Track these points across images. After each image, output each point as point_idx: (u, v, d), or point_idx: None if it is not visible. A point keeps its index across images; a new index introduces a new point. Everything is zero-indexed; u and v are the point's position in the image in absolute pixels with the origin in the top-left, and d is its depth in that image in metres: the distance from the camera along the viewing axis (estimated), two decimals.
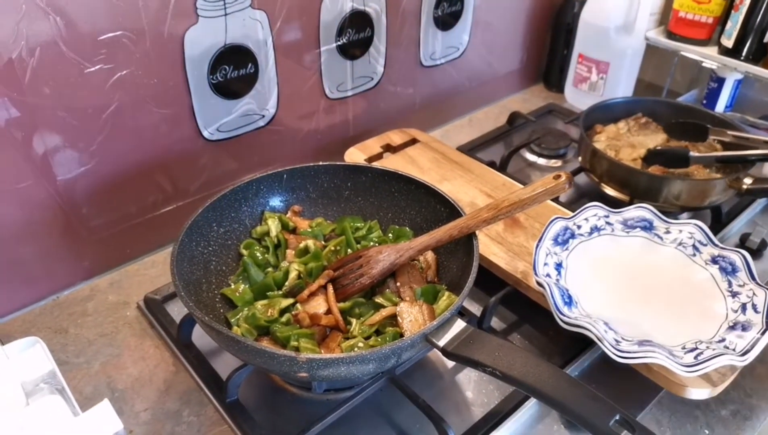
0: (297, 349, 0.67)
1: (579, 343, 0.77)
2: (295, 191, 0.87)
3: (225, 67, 0.89)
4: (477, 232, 0.74)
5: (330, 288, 0.75)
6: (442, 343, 0.62)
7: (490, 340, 0.63)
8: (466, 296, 0.66)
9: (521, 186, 0.99)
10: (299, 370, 0.61)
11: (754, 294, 0.75)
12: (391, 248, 0.76)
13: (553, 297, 0.73)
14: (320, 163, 0.86)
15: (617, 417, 0.54)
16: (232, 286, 0.78)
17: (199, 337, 0.79)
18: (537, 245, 0.80)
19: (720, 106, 1.28)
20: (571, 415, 0.56)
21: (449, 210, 0.80)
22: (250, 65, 0.92)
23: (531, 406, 0.72)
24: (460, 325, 0.64)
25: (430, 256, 0.81)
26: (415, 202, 0.85)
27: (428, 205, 0.83)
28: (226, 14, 0.85)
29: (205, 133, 0.93)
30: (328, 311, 0.73)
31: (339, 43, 1.03)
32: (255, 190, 0.84)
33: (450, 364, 0.79)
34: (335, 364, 0.60)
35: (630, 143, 1.07)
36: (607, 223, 0.86)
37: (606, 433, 0.53)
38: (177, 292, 0.66)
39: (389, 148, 1.10)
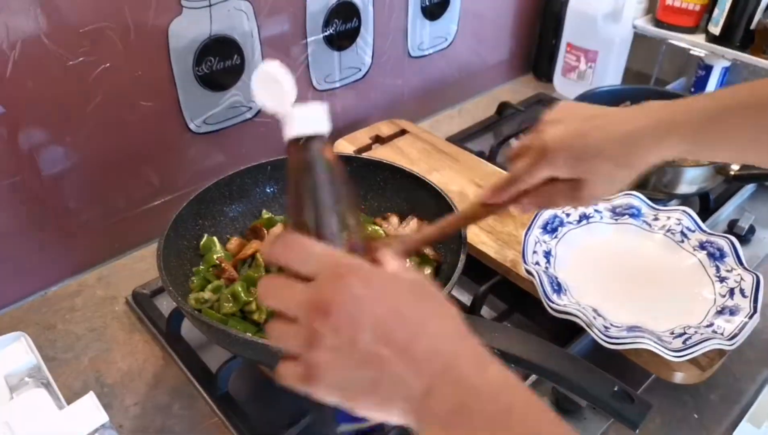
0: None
1: (569, 330, 0.77)
2: (280, 182, 0.86)
3: (210, 58, 0.89)
4: None
5: None
6: None
7: (485, 322, 0.64)
8: (454, 284, 0.66)
9: None
10: None
11: (741, 279, 0.75)
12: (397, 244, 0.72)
13: (542, 285, 0.73)
14: None
15: (616, 388, 0.56)
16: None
17: (189, 330, 0.79)
18: (526, 234, 0.80)
19: None
20: (572, 387, 0.58)
21: (436, 199, 0.79)
22: (236, 56, 0.92)
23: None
24: None
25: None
26: (402, 191, 0.85)
27: (416, 195, 0.83)
28: (210, 5, 0.85)
29: (192, 126, 0.92)
30: None
31: (326, 33, 1.02)
32: (239, 182, 0.83)
33: None
34: None
35: None
36: (596, 210, 0.86)
37: (607, 402, 0.55)
38: (164, 286, 0.66)
39: (378, 140, 1.09)
